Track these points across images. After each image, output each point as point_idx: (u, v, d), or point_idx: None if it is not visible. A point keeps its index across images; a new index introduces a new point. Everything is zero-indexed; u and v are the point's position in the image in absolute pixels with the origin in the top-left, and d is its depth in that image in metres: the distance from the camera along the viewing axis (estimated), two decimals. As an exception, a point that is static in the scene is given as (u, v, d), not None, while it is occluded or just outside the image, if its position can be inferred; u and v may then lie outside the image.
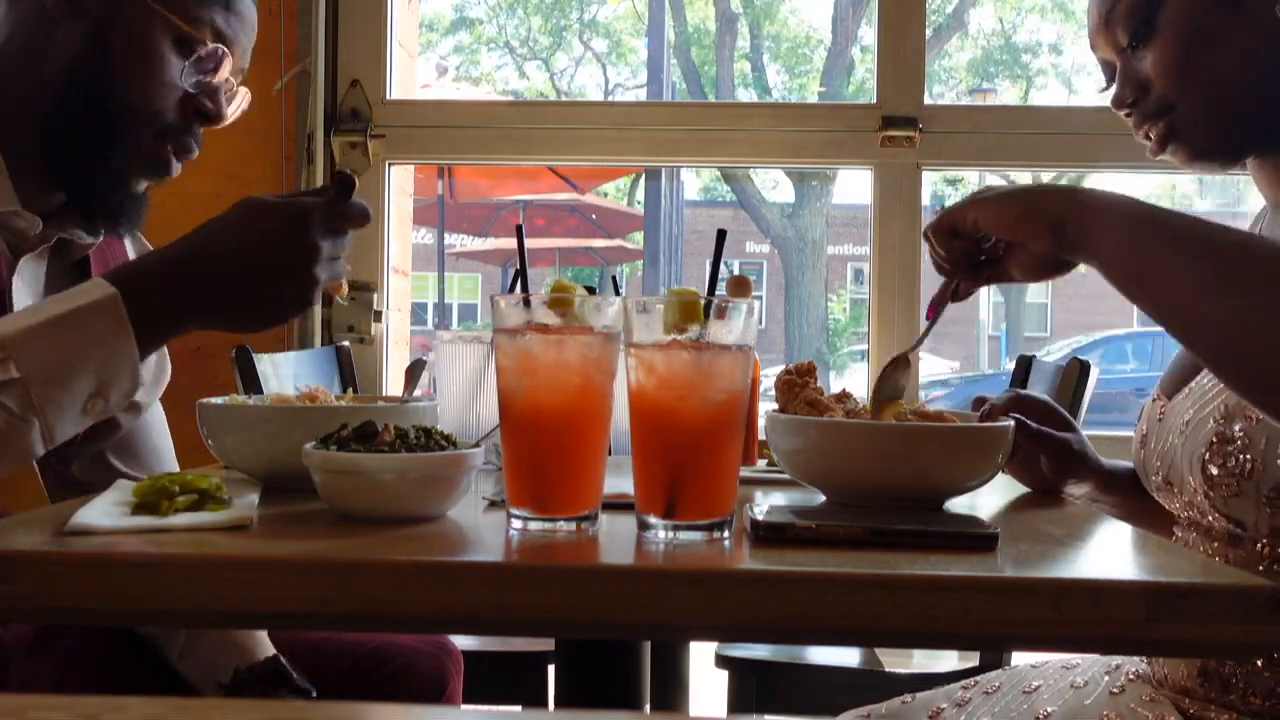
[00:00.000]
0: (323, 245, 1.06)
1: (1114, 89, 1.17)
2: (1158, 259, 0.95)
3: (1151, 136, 1.16)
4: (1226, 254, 0.93)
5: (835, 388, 1.17)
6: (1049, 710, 1.16)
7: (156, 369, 1.41)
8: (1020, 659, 1.50)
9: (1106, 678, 1.19)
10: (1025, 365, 1.93)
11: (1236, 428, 1.04)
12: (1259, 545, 1.05)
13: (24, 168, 1.21)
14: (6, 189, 1.19)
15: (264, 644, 1.31)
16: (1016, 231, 1.02)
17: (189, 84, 1.23)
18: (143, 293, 1.03)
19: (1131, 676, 1.17)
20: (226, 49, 1.24)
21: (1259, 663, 1.03)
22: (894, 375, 1.14)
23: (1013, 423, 1.06)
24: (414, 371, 1.24)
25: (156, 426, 1.44)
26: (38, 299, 1.23)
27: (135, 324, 1.02)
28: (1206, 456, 1.06)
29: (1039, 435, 1.21)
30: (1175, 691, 1.11)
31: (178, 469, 1.43)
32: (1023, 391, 1.28)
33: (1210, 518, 1.09)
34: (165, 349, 1.42)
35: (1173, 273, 0.95)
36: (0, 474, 1.01)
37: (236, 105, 1.31)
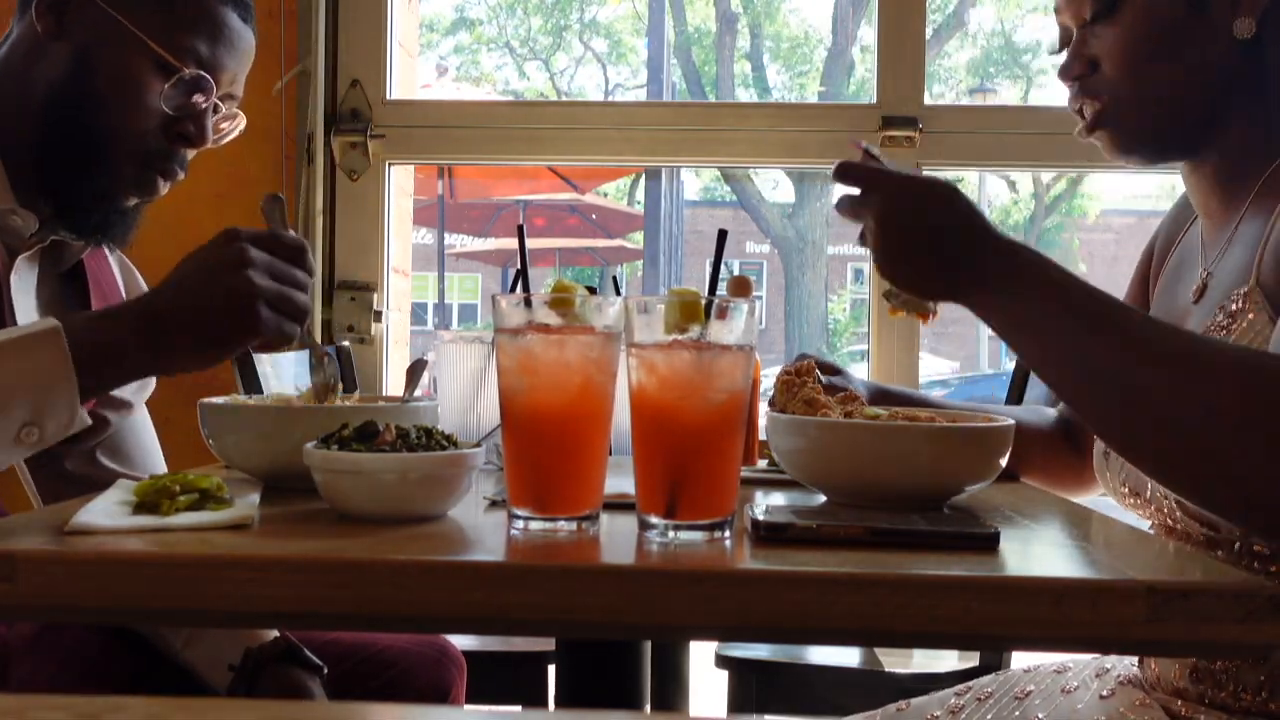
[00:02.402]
0: (254, 255, 1.05)
1: (1064, 57, 1.18)
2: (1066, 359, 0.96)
3: (1085, 115, 1.17)
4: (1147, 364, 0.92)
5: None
6: (1040, 716, 1.16)
7: None
8: (1020, 659, 1.50)
9: (1096, 681, 1.19)
10: (1025, 365, 1.93)
11: None
12: (1235, 545, 1.05)
13: (21, 173, 1.24)
14: (5, 189, 1.22)
15: None
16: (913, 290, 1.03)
17: (170, 108, 1.24)
18: (85, 330, 1.04)
19: (1121, 680, 1.17)
20: (210, 75, 1.25)
21: (1249, 659, 1.03)
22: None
23: (1013, 422, 1.06)
24: (415, 371, 1.25)
25: (144, 426, 1.46)
26: (31, 299, 1.25)
27: (76, 360, 1.02)
28: None
29: (832, 387, 1.23)
30: (1167, 693, 1.11)
31: (165, 468, 1.44)
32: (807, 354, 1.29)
33: (1182, 524, 1.08)
34: None
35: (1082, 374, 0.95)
36: None
37: (230, 129, 1.33)
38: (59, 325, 1.02)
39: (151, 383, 1.45)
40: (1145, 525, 1.16)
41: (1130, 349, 0.92)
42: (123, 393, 1.38)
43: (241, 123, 1.33)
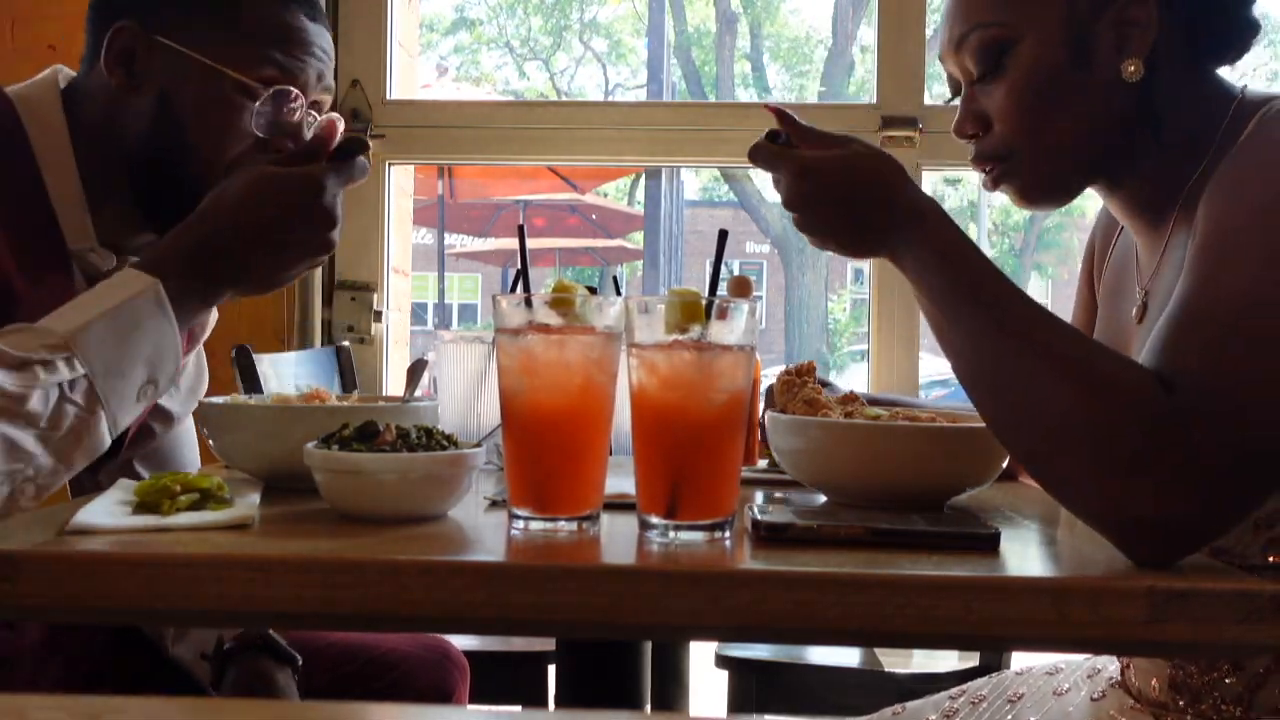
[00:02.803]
0: (338, 213, 1.12)
1: (957, 117, 1.15)
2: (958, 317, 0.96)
3: (987, 171, 1.14)
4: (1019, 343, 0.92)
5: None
6: (1032, 719, 1.16)
7: (195, 378, 1.43)
8: (1020, 659, 1.50)
9: (1088, 683, 1.19)
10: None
11: None
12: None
13: (105, 211, 1.22)
14: (86, 227, 1.21)
15: None
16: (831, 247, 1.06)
17: (260, 129, 1.20)
18: (175, 278, 1.07)
19: (1112, 682, 1.17)
20: (294, 85, 1.21)
21: (1225, 667, 1.03)
22: None
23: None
24: (415, 371, 1.25)
25: (187, 439, 1.45)
26: None
27: (174, 308, 1.06)
28: None
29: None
30: (1150, 705, 1.11)
31: None
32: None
33: None
34: (205, 361, 1.45)
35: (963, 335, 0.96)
36: (76, 468, 1.05)
37: (335, 131, 1.27)
38: (157, 282, 1.05)
39: (201, 392, 1.44)
40: None
41: (989, 326, 0.93)
42: (170, 404, 1.38)
43: (340, 124, 1.26)
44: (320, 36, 1.26)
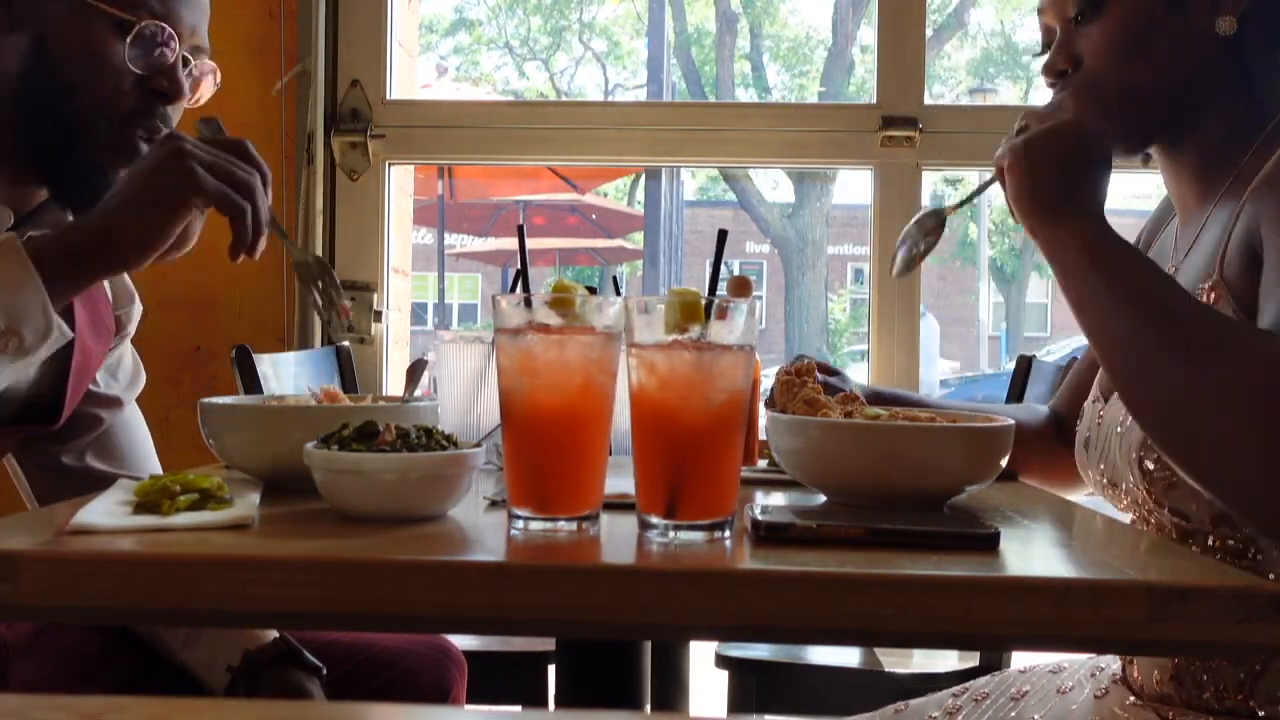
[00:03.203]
0: (188, 139, 1.13)
1: (1048, 56, 1.21)
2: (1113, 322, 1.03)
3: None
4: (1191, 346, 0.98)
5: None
6: (1036, 717, 1.16)
7: (132, 371, 1.45)
8: (1020, 659, 1.50)
9: (1091, 681, 1.19)
10: (1025, 365, 1.93)
11: None
12: (1209, 539, 1.06)
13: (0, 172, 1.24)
14: None
15: None
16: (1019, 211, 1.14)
17: (136, 66, 1.23)
18: (40, 237, 1.10)
19: (1115, 679, 1.17)
20: (169, 26, 1.24)
21: (1225, 660, 1.04)
22: (921, 232, 1.19)
23: (1013, 422, 1.06)
24: (415, 371, 1.25)
25: (135, 424, 1.46)
26: None
27: (36, 262, 1.07)
28: (1141, 453, 1.08)
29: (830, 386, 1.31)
30: (1152, 699, 1.11)
31: (159, 466, 1.44)
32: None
33: (1156, 515, 1.09)
34: (136, 353, 1.46)
35: (1122, 337, 1.02)
36: None
37: (207, 83, 1.32)
38: (13, 236, 1.07)
39: (141, 379, 1.46)
40: (1126, 518, 1.17)
41: (1157, 323, 0.99)
42: (112, 389, 1.39)
43: (216, 75, 1.32)
44: None
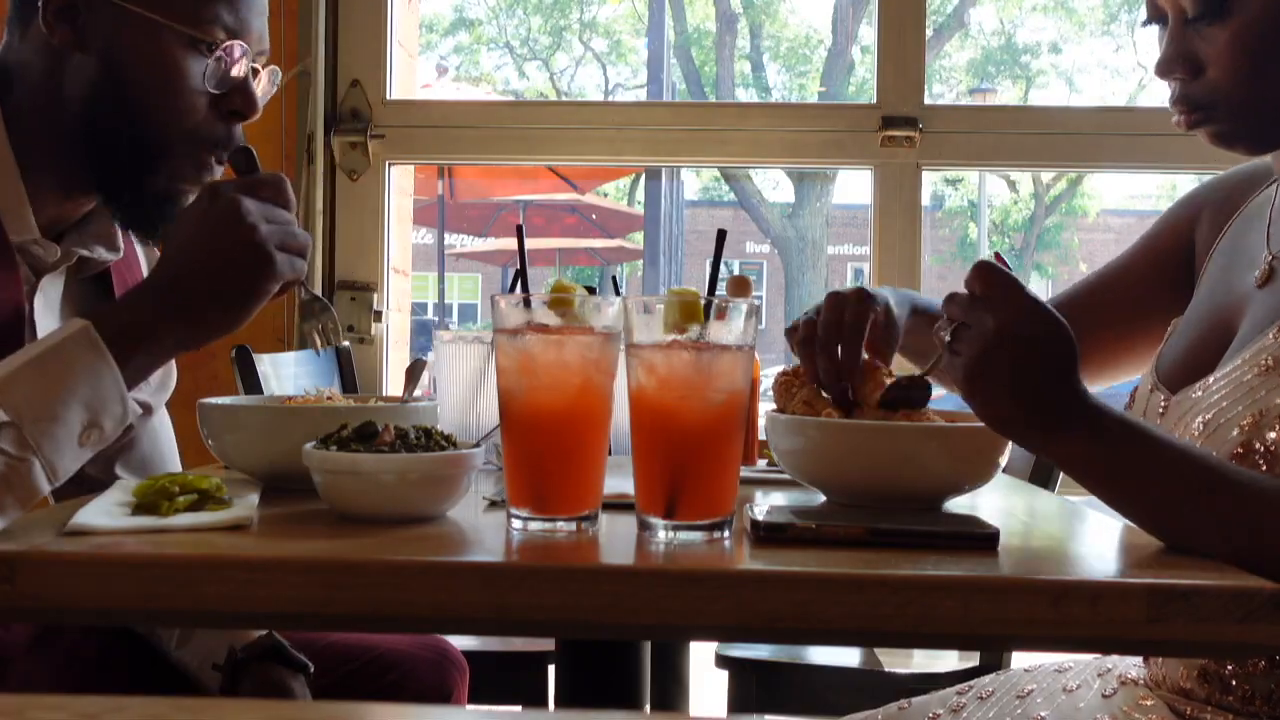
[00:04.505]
0: (248, 204, 1.07)
1: (1162, 55, 1.11)
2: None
3: (1186, 112, 1.11)
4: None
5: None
6: (1042, 715, 1.15)
7: (161, 374, 1.41)
8: (1020, 659, 1.50)
9: (1098, 681, 1.18)
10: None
11: (1269, 436, 0.99)
12: None
13: (43, 191, 1.20)
14: (27, 219, 1.18)
15: None
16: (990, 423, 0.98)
17: (212, 87, 1.20)
18: (112, 317, 1.05)
19: (1123, 679, 1.17)
20: (241, 40, 1.21)
21: (1261, 664, 1.03)
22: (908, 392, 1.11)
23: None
24: (414, 371, 1.25)
25: (164, 433, 1.44)
26: (56, 317, 1.23)
27: (113, 348, 1.03)
28: (1243, 446, 1.00)
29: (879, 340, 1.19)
30: (1172, 692, 1.10)
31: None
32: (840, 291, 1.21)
33: None
34: (174, 362, 1.43)
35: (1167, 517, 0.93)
36: (9, 516, 1.01)
37: (267, 87, 1.28)
38: (88, 324, 1.03)
39: (171, 383, 1.43)
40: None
41: (1201, 505, 0.91)
42: (143, 393, 1.37)
43: (277, 75, 1.27)
44: None
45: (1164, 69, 1.11)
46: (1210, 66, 1.07)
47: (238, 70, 1.21)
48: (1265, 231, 1.14)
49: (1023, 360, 0.93)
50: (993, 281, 0.95)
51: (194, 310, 1.07)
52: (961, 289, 0.99)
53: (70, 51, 1.17)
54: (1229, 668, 1.04)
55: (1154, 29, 1.14)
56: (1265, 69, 1.06)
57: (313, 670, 1.30)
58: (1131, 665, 1.19)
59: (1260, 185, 1.20)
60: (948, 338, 0.97)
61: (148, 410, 1.38)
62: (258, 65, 1.25)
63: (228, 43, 1.19)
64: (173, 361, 1.42)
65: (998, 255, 1.03)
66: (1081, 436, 0.92)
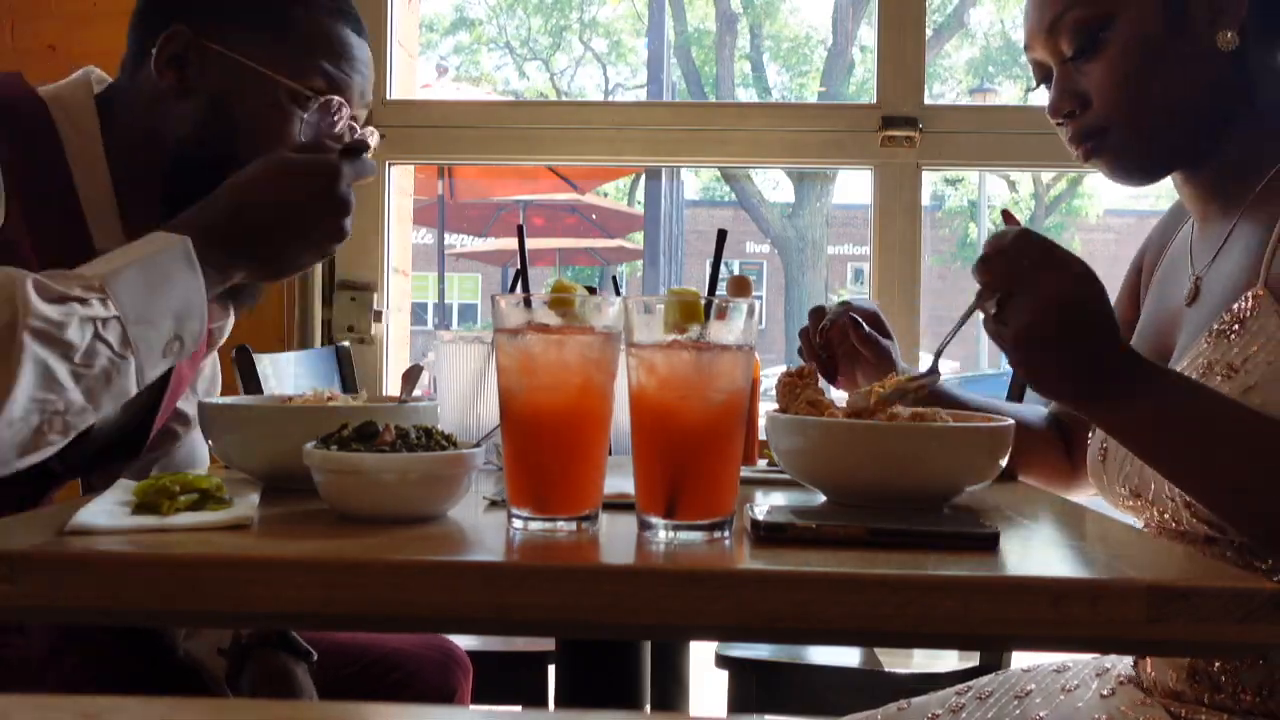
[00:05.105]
0: (352, 201, 1.15)
1: (1051, 97, 1.18)
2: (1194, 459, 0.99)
3: (1081, 146, 1.17)
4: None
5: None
6: (1041, 715, 1.16)
7: (210, 379, 1.43)
8: (1020, 659, 1.50)
9: (1097, 681, 1.19)
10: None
11: None
12: (1236, 543, 1.05)
13: (138, 230, 1.19)
14: (117, 232, 1.21)
15: None
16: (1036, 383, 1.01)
17: (309, 137, 1.22)
18: (202, 242, 1.08)
19: (1122, 679, 1.17)
20: (340, 96, 1.24)
21: (1248, 658, 1.03)
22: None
23: (1013, 421, 1.06)
24: (411, 376, 1.25)
25: (198, 450, 1.45)
26: None
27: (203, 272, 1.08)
28: None
29: (870, 339, 1.31)
30: (1165, 696, 1.11)
31: None
32: (854, 300, 1.36)
33: (1188, 526, 1.08)
34: (216, 359, 1.45)
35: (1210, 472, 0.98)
36: (102, 410, 1.05)
37: (371, 144, 1.29)
38: (188, 240, 1.07)
39: (217, 384, 1.46)
40: (1130, 520, 1.16)
41: (1240, 447, 0.96)
42: (187, 407, 1.38)
43: (376, 138, 1.29)
44: (364, 51, 1.29)
45: (1055, 108, 1.17)
46: (1095, 97, 1.14)
47: (335, 124, 1.24)
48: (1189, 257, 1.20)
49: (1074, 328, 0.95)
50: (1034, 247, 0.97)
51: (265, 261, 1.14)
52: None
53: (175, 96, 1.21)
54: (1216, 665, 1.04)
55: (1044, 90, 1.20)
56: (1143, 88, 1.12)
57: (315, 658, 1.31)
58: (1129, 665, 1.19)
59: (1184, 220, 1.26)
60: (993, 310, 0.98)
61: (189, 423, 1.40)
62: (355, 122, 1.27)
63: (327, 98, 1.23)
64: (218, 364, 1.44)
65: (1006, 212, 1.06)
66: (1145, 402, 0.97)
